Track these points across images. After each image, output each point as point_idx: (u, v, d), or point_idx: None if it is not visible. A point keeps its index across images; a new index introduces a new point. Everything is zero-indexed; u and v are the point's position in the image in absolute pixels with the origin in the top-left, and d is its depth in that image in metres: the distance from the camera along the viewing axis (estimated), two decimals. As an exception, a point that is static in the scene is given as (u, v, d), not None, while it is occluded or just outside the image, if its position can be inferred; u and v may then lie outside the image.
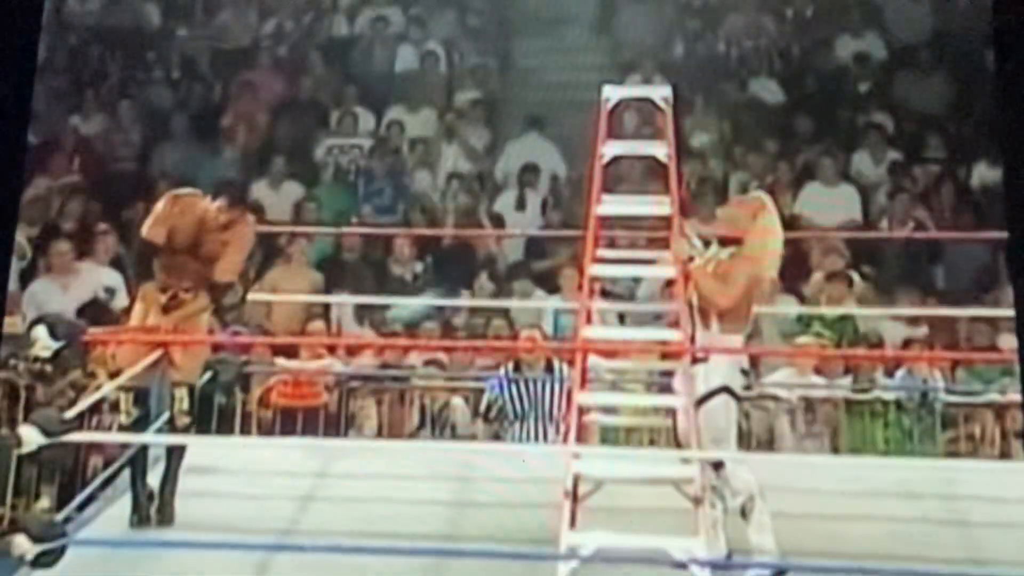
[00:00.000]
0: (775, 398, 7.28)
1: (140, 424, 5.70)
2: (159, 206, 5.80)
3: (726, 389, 5.19)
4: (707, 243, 5.48)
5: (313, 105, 10.47)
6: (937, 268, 8.74)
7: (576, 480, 4.96)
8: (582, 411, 5.31)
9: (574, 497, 4.93)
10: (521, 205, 9.56)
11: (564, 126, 9.73)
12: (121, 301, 8.14)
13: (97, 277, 8.33)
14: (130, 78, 10.59)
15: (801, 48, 10.59)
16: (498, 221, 9.28)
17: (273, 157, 9.78)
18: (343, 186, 9.82)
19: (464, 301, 8.37)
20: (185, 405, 5.68)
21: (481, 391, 7.28)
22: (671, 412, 5.45)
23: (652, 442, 6.82)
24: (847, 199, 9.09)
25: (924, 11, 10.63)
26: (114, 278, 8.32)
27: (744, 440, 6.45)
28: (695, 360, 5.21)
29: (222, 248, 5.73)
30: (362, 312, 8.35)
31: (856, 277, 8.17)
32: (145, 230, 5.77)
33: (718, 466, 5.11)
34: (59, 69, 10.47)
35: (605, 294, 6.59)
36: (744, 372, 5.38)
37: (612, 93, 6.04)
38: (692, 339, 5.28)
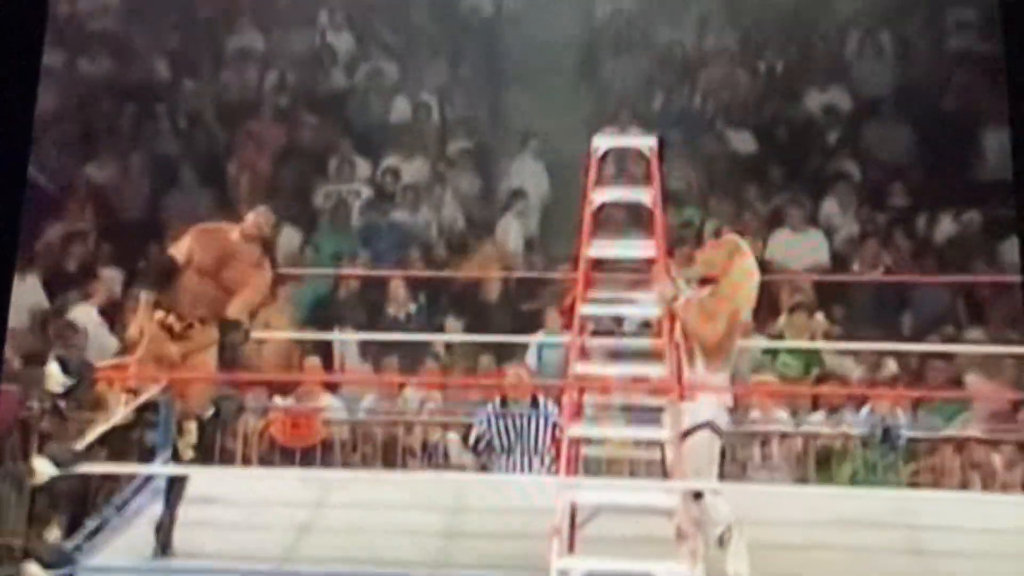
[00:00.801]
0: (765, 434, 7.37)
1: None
2: (188, 234, 5.85)
3: (709, 424, 5.26)
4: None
5: (312, 153, 10.49)
6: (903, 311, 8.80)
7: (573, 508, 5.01)
8: (577, 443, 5.36)
9: (571, 524, 4.98)
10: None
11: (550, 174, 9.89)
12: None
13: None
14: (140, 129, 10.58)
15: (773, 100, 10.67)
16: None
17: (271, 203, 9.73)
18: (340, 230, 9.84)
19: (454, 336, 8.45)
20: (193, 438, 5.75)
21: (470, 425, 7.35)
22: (660, 445, 5.49)
23: (632, 473, 6.87)
24: (814, 244, 9.20)
25: (886, 66, 10.74)
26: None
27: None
28: (682, 398, 5.25)
29: (242, 283, 5.75)
30: (365, 350, 8.43)
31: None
32: (171, 249, 5.85)
33: (698, 496, 5.18)
34: (72, 120, 10.47)
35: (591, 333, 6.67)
36: (730, 409, 5.44)
37: (601, 143, 6.06)
38: (680, 377, 5.33)
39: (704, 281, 5.50)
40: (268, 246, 5.92)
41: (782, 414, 7.58)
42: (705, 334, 5.32)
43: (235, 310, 5.76)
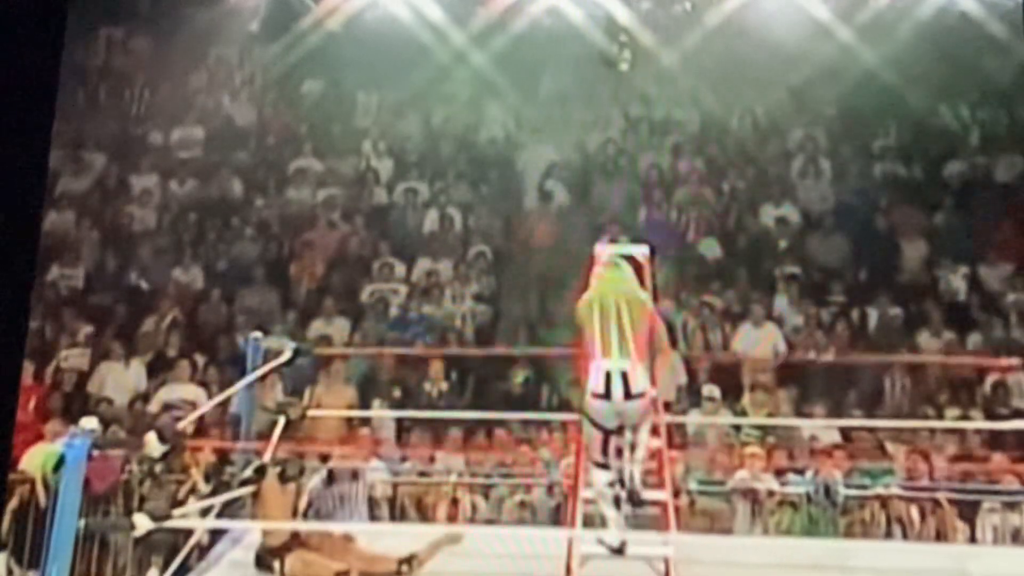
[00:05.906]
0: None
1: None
2: None
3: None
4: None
5: (358, 258, 10.59)
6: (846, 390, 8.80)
7: (583, 558, 5.12)
8: (586, 502, 5.39)
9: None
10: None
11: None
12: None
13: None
14: (219, 238, 10.76)
15: (734, 214, 10.76)
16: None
17: (326, 299, 9.90)
18: (383, 320, 9.88)
19: (477, 414, 8.36)
20: None
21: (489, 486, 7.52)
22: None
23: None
24: (771, 335, 9.22)
25: (827, 186, 10.89)
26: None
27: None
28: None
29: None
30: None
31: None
32: None
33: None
34: (164, 232, 10.72)
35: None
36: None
37: (603, 250, 6.00)
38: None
39: None
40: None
41: (767, 476, 7.57)
42: None
43: None
